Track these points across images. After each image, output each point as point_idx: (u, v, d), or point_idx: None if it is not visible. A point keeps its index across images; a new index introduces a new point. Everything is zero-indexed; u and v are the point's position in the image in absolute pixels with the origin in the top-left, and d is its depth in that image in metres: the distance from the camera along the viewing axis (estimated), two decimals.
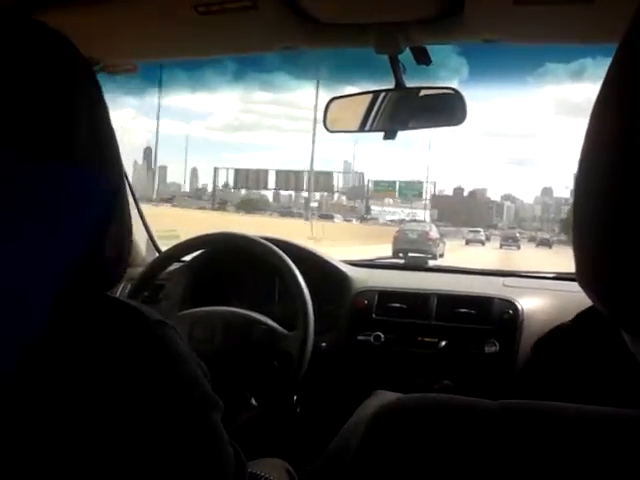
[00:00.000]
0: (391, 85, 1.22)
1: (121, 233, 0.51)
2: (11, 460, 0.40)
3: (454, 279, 1.71)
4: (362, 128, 1.32)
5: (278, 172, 51.62)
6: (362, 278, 1.60)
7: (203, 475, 0.46)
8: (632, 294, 0.31)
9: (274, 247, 1.38)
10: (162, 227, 1.80)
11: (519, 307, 1.42)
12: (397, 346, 1.47)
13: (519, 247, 31.54)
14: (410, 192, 54.53)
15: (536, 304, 1.46)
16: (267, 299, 1.60)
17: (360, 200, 55.83)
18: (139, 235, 1.78)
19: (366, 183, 56.08)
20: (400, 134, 1.29)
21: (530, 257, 22.06)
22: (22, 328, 0.39)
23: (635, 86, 0.30)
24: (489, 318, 1.42)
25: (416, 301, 1.50)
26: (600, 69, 0.34)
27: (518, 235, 38.47)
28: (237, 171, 51.71)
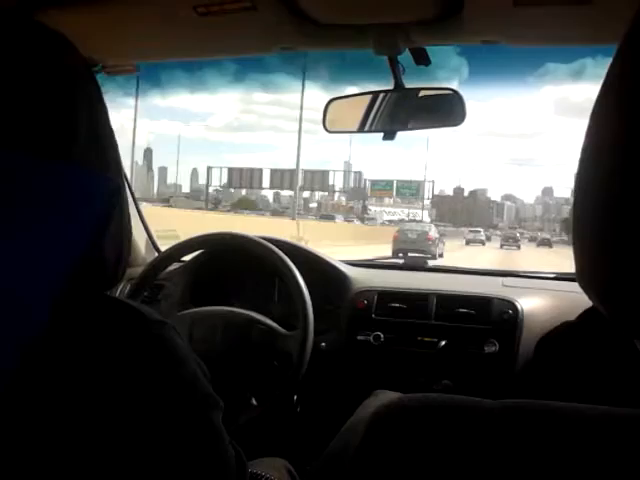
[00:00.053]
0: (390, 86, 1.23)
1: (121, 233, 0.51)
2: (11, 460, 0.40)
3: (454, 279, 1.71)
4: (361, 129, 1.32)
5: (273, 171, 50.89)
6: (362, 278, 1.60)
7: (204, 475, 0.46)
8: (632, 295, 0.31)
9: (274, 247, 1.38)
10: (153, 227, 1.80)
11: (519, 307, 1.42)
12: (397, 346, 1.47)
13: (519, 247, 31.55)
14: (408, 191, 54.38)
15: (536, 304, 1.46)
16: (267, 299, 1.60)
17: (358, 200, 55.57)
18: (139, 235, 1.78)
19: (364, 182, 55.65)
20: (399, 134, 1.30)
21: (530, 257, 22.05)
22: (22, 328, 0.39)
23: (635, 87, 0.30)
24: (489, 318, 1.42)
25: (416, 301, 1.50)
26: (600, 69, 0.34)
27: (518, 235, 38.46)
28: (231, 170, 50.69)
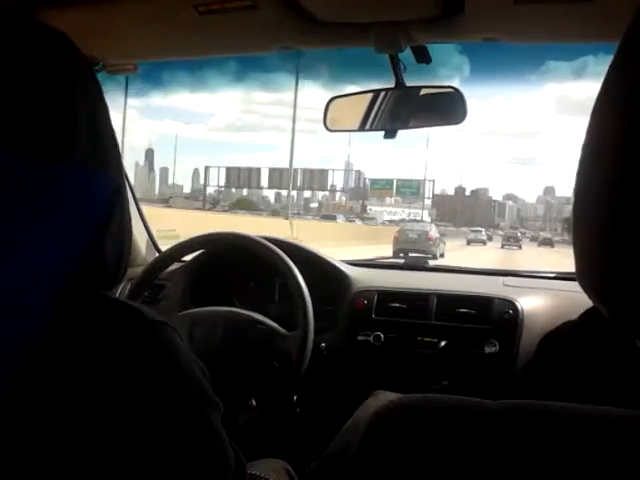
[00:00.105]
0: (391, 84, 1.22)
1: (122, 233, 0.51)
2: (12, 460, 0.40)
3: (454, 279, 1.71)
4: (362, 127, 1.32)
5: (271, 170, 50.36)
6: (362, 278, 1.60)
7: (203, 476, 0.46)
8: (632, 295, 0.31)
9: (274, 247, 1.38)
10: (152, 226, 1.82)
11: (519, 307, 1.42)
12: (397, 346, 1.47)
13: (521, 247, 31.57)
14: (408, 190, 54.24)
15: (536, 304, 1.46)
16: (267, 299, 1.60)
17: (358, 200, 55.36)
18: (139, 235, 1.78)
19: (363, 181, 55.30)
20: (400, 133, 1.29)
21: (532, 257, 22.05)
22: (22, 328, 0.39)
23: (636, 84, 0.30)
24: (489, 318, 1.42)
25: (416, 301, 1.49)
26: (602, 67, 0.34)
27: (520, 235, 38.47)
28: (229, 170, 50.06)
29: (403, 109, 1.26)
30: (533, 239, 43.50)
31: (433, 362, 1.43)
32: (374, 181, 56.19)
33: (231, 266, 1.62)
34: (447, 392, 0.99)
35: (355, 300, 1.53)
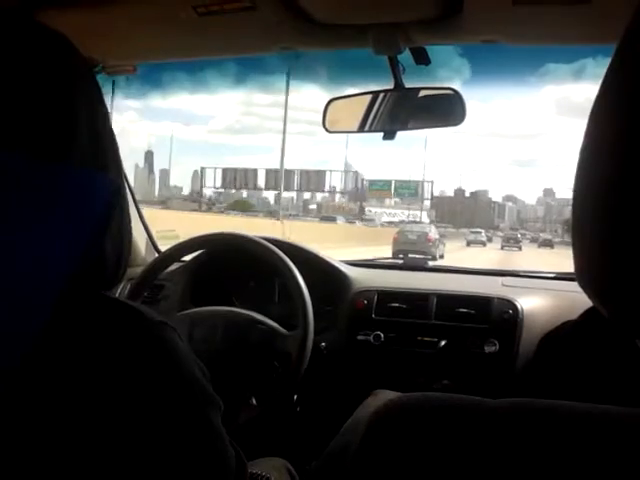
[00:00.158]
0: (390, 85, 1.23)
1: (121, 233, 0.51)
2: (12, 459, 0.40)
3: (453, 279, 1.71)
4: (361, 129, 1.32)
5: (268, 171, 49.40)
6: (362, 278, 1.60)
7: (204, 475, 0.46)
8: (632, 295, 0.31)
9: (274, 247, 1.38)
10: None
11: (519, 307, 1.42)
12: (397, 346, 1.47)
13: (520, 248, 31.52)
14: (406, 191, 53.87)
15: (536, 304, 1.46)
16: (267, 299, 1.60)
17: (356, 201, 55.02)
18: (139, 235, 1.78)
19: (360, 182, 54.80)
20: (399, 136, 1.30)
21: (531, 258, 22.03)
22: (23, 328, 0.39)
23: (634, 86, 0.30)
24: (488, 318, 1.42)
25: (416, 301, 1.50)
26: (601, 69, 0.34)
27: (519, 236, 38.39)
28: (225, 171, 49.00)
29: (402, 110, 1.26)
30: (533, 240, 43.42)
31: (433, 362, 1.43)
32: (372, 182, 55.80)
33: (231, 266, 1.62)
34: (447, 391, 0.99)
35: (355, 300, 1.53)
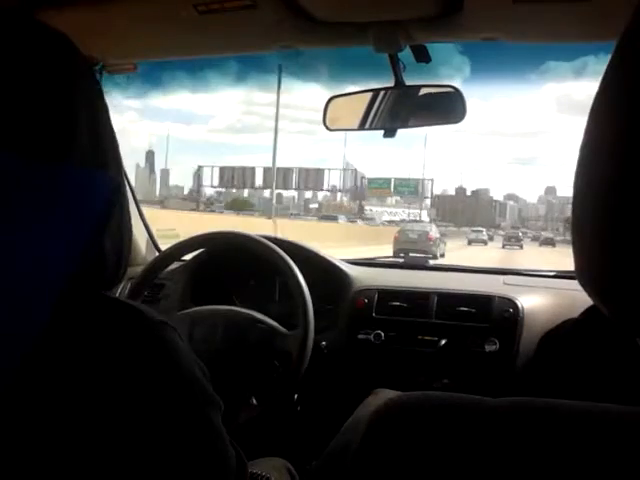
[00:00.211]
0: (391, 83, 1.22)
1: (121, 232, 0.51)
2: (12, 459, 0.40)
3: (454, 277, 1.70)
4: (362, 126, 1.32)
5: (265, 169, 48.71)
6: (362, 277, 1.60)
7: (204, 475, 0.46)
8: (632, 293, 0.31)
9: (274, 246, 1.38)
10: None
11: (519, 305, 1.42)
12: (397, 344, 1.47)
13: (522, 246, 31.51)
14: (406, 189, 53.57)
15: (536, 302, 1.46)
16: (267, 298, 1.60)
17: (355, 200, 54.73)
18: (139, 234, 1.78)
19: (360, 180, 54.31)
20: (399, 134, 1.30)
21: (533, 257, 22.02)
22: (24, 328, 0.39)
23: (634, 83, 0.30)
24: (489, 316, 1.42)
25: (416, 300, 1.49)
26: (602, 66, 0.34)
27: (521, 234, 38.36)
28: (222, 169, 48.26)
29: (403, 108, 1.26)
30: (534, 239, 43.37)
31: (433, 360, 1.43)
32: (371, 180, 55.50)
33: (231, 265, 1.62)
34: (447, 390, 0.99)
35: (355, 299, 1.53)
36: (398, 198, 59.32)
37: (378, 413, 0.41)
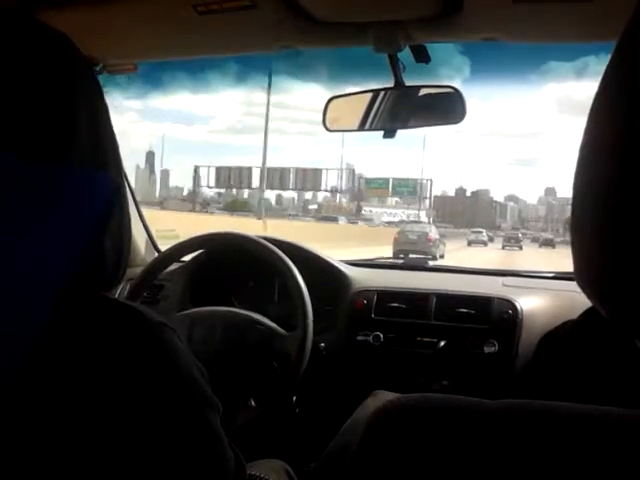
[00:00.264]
0: (391, 84, 1.22)
1: (121, 232, 0.51)
2: (11, 459, 0.40)
3: (453, 279, 1.70)
4: (362, 127, 1.32)
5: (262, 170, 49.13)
6: (361, 278, 1.60)
7: (202, 477, 0.46)
8: (632, 295, 0.31)
9: (273, 247, 1.38)
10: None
11: (518, 307, 1.42)
12: (396, 346, 1.46)
13: (521, 247, 31.53)
14: (404, 189, 53.33)
15: (535, 304, 1.46)
16: (266, 299, 1.60)
17: (353, 200, 54.51)
18: (138, 235, 1.78)
19: (357, 180, 53.93)
20: (398, 135, 1.29)
21: (532, 258, 22.03)
22: (24, 328, 0.39)
23: (634, 84, 0.30)
24: (488, 318, 1.42)
25: (415, 301, 1.49)
26: (603, 67, 0.33)
27: (520, 235, 38.35)
28: (219, 169, 47.68)
29: (402, 109, 1.26)
30: (534, 240, 43.36)
31: (432, 362, 1.43)
32: (370, 180, 55.31)
33: (230, 266, 1.62)
34: (446, 392, 0.99)
35: (354, 300, 1.53)
36: (398, 199, 59.24)
37: (377, 415, 0.41)
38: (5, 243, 0.39)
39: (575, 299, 1.30)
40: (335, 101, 1.32)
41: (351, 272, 1.62)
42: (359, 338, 1.48)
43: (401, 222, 41.41)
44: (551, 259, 18.21)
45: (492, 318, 1.42)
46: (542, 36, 1.14)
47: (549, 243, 36.61)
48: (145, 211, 1.93)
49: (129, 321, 0.47)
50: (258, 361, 1.35)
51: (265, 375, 1.36)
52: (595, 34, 1.05)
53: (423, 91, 1.26)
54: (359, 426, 0.41)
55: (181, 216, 17.81)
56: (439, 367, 1.43)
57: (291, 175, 47.73)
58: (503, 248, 30.73)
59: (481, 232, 38.02)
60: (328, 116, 1.32)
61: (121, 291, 1.58)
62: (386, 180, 54.21)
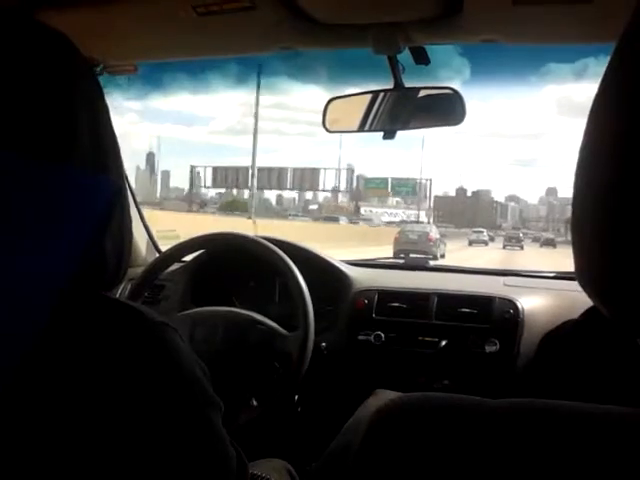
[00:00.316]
0: (390, 85, 1.22)
1: (122, 232, 0.51)
2: (11, 459, 0.40)
3: (454, 278, 1.70)
4: (361, 128, 1.32)
5: (260, 169, 48.22)
6: (362, 278, 1.60)
7: (204, 476, 0.46)
8: (633, 294, 0.31)
9: (274, 247, 1.38)
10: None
11: (519, 306, 1.42)
12: (397, 345, 1.46)
13: (522, 247, 31.48)
14: (404, 189, 52.98)
15: (536, 303, 1.46)
16: (267, 299, 1.60)
17: (351, 200, 54.30)
18: (139, 235, 1.78)
19: (356, 180, 53.53)
20: (398, 136, 1.30)
21: (532, 257, 22.01)
22: (24, 327, 0.39)
23: (634, 85, 0.30)
24: (489, 317, 1.42)
25: (416, 300, 1.49)
26: (603, 69, 0.34)
27: (521, 235, 38.30)
28: (215, 169, 46.95)
29: (402, 110, 1.26)
30: (536, 240, 43.29)
31: (434, 361, 1.43)
32: (368, 180, 55.07)
33: (231, 266, 1.62)
34: (448, 391, 0.99)
35: (356, 300, 1.53)
36: (399, 199, 59.08)
37: (379, 414, 0.41)
38: (5, 243, 0.40)
39: (576, 298, 1.30)
40: (335, 102, 1.32)
41: (352, 272, 1.62)
42: (360, 338, 1.48)
43: (402, 222, 41.39)
44: (552, 259, 18.18)
45: (493, 317, 1.42)
46: (542, 38, 1.14)
47: (550, 243, 36.55)
48: (144, 211, 1.93)
49: (130, 321, 0.47)
50: (259, 361, 1.35)
51: (266, 375, 1.36)
52: (594, 36, 1.05)
53: (423, 92, 1.26)
54: (361, 425, 0.41)
55: (171, 215, 17.88)
56: (440, 366, 1.43)
57: (289, 175, 47.48)
58: (504, 248, 30.69)
59: (482, 232, 37.97)
60: (328, 117, 1.32)
61: (122, 291, 1.58)
62: (385, 180, 53.84)
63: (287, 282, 1.36)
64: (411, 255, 14.27)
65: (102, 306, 0.48)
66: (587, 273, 0.34)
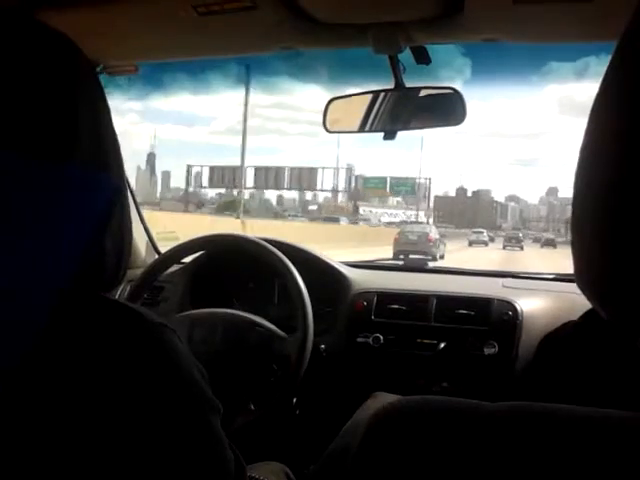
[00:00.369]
0: (391, 85, 1.22)
1: (121, 232, 0.51)
2: (11, 459, 0.40)
3: (453, 280, 1.70)
4: (362, 128, 1.32)
5: (256, 169, 47.21)
6: (361, 279, 1.60)
7: (203, 478, 0.46)
8: (632, 296, 0.31)
9: (273, 248, 1.38)
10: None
11: (518, 308, 1.42)
12: (396, 348, 1.46)
13: (522, 248, 31.51)
14: (403, 188, 52.84)
15: (535, 305, 1.46)
16: (266, 300, 1.60)
17: (350, 200, 54.23)
18: (139, 237, 1.78)
19: (354, 179, 53.20)
20: (400, 136, 1.29)
21: (532, 258, 22.02)
22: (24, 327, 0.39)
23: (635, 84, 0.30)
24: (488, 319, 1.42)
25: (415, 302, 1.49)
26: (604, 68, 0.34)
27: (521, 235, 38.34)
28: (212, 169, 46.39)
29: (403, 110, 1.26)
30: (536, 240, 43.34)
31: (432, 364, 1.43)
32: (367, 179, 54.89)
33: (230, 267, 1.62)
34: (446, 394, 0.98)
35: (354, 301, 1.53)
36: (399, 199, 59.10)
37: (377, 417, 0.41)
38: (5, 242, 0.40)
39: (575, 301, 1.30)
40: (335, 102, 1.32)
41: (351, 273, 1.61)
42: (359, 340, 1.48)
43: (402, 222, 41.44)
44: (552, 259, 18.19)
45: (492, 320, 1.41)
46: (543, 36, 1.14)
47: (550, 243, 36.60)
48: (144, 212, 1.93)
49: (129, 322, 0.47)
50: (258, 363, 1.35)
51: (265, 377, 1.36)
52: (595, 34, 1.05)
53: (423, 92, 1.26)
54: (359, 428, 0.41)
55: (167, 216, 18.05)
56: (439, 369, 1.43)
57: (286, 174, 47.27)
58: (504, 248, 30.71)
59: (482, 232, 38.02)
60: (328, 117, 1.32)
61: (121, 292, 1.58)
62: (383, 179, 53.62)
63: (286, 283, 1.36)
64: (410, 256, 14.29)
65: (101, 307, 0.48)
66: (586, 275, 0.34)
